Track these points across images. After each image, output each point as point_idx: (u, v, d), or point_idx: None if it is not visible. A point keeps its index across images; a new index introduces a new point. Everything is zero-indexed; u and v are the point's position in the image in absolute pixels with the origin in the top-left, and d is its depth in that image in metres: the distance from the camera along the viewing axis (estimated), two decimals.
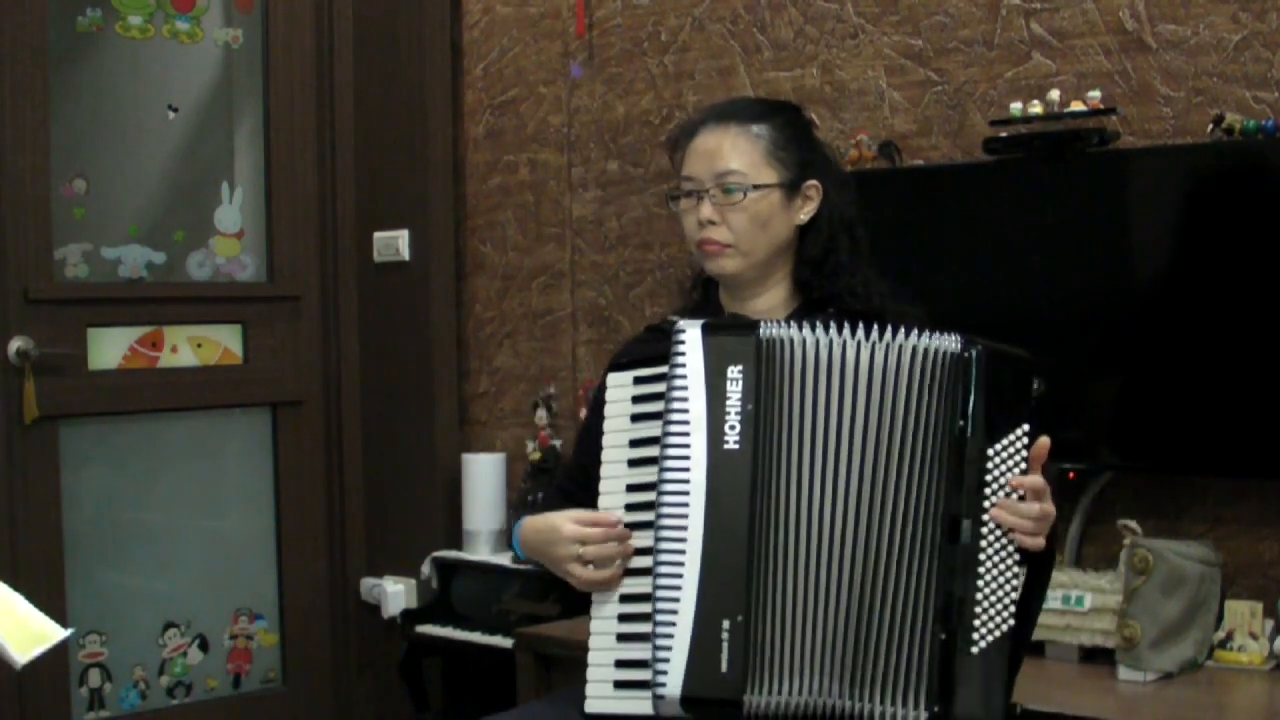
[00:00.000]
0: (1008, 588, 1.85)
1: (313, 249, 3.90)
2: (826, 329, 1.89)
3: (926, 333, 1.88)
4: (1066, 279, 2.79)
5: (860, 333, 1.88)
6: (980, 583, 1.84)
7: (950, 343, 1.88)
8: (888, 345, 1.88)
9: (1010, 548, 1.86)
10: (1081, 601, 2.62)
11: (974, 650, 1.84)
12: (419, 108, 3.84)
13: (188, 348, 3.71)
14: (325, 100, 3.89)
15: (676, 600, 1.86)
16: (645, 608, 1.90)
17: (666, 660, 1.85)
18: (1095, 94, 2.80)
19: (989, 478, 1.86)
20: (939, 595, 1.83)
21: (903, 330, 1.88)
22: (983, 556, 1.85)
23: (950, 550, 1.84)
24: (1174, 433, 2.71)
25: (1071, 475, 2.79)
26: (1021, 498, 1.86)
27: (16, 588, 1.83)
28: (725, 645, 1.84)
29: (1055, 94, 2.83)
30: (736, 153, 2.09)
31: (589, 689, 1.93)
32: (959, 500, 1.85)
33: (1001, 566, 1.85)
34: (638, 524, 1.93)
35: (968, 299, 2.86)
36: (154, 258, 3.68)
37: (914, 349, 1.88)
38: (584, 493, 2.03)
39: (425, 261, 3.85)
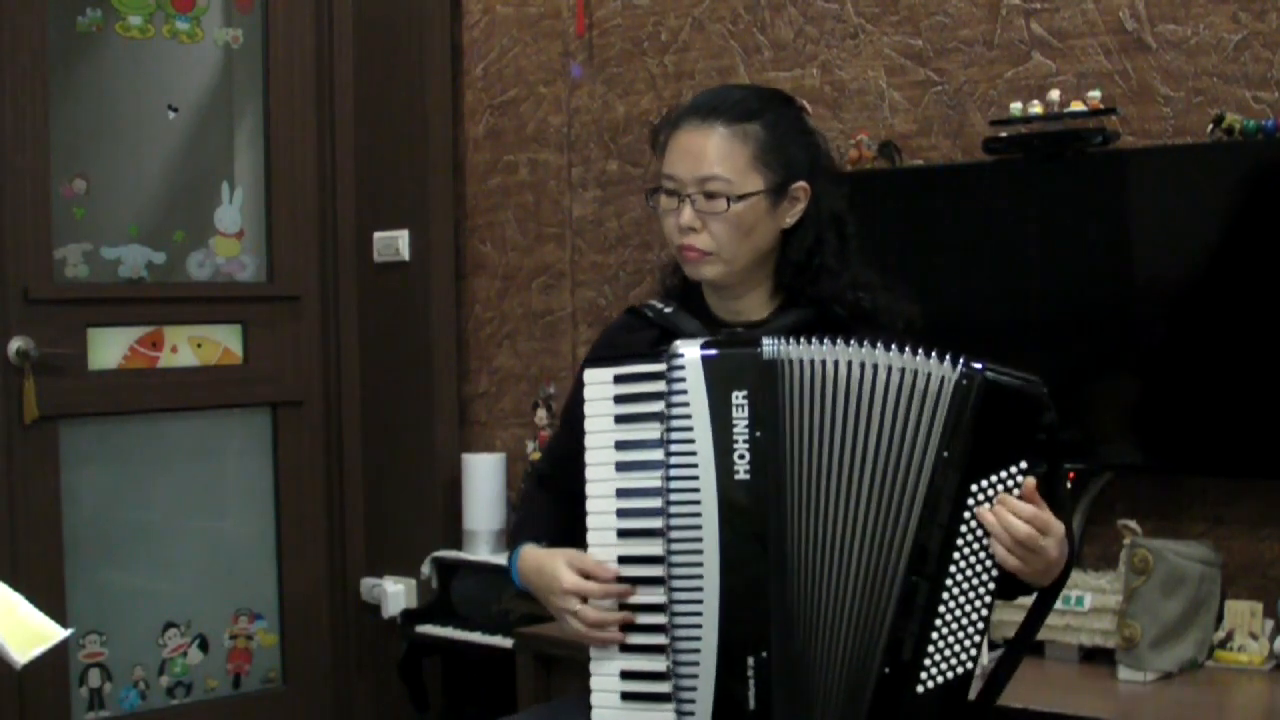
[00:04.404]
0: (971, 630, 1.79)
1: (313, 249, 3.89)
2: (835, 343, 1.83)
3: (926, 354, 1.80)
4: (1066, 279, 2.80)
5: (863, 350, 1.82)
6: (939, 621, 1.78)
7: (948, 368, 1.79)
8: (889, 367, 1.80)
9: (980, 590, 1.79)
10: (1081, 601, 2.63)
11: (919, 689, 1.79)
12: (419, 108, 3.84)
13: (188, 348, 3.71)
14: (325, 100, 3.89)
15: (698, 639, 1.82)
16: (646, 618, 1.87)
17: (692, 701, 1.82)
18: (1095, 94, 2.80)
19: (968, 514, 1.78)
20: (893, 629, 1.79)
21: (908, 350, 1.81)
22: (946, 596, 1.78)
23: (909, 584, 1.78)
24: (1174, 433, 2.71)
25: (1071, 475, 2.79)
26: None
27: (16, 588, 1.83)
28: (751, 682, 1.81)
29: (1055, 94, 2.83)
30: (721, 156, 1.98)
31: (594, 699, 1.90)
32: (929, 534, 1.78)
33: (967, 608, 1.79)
34: (631, 531, 1.87)
35: (967, 299, 2.87)
36: (154, 258, 3.68)
37: (906, 371, 1.80)
38: (564, 480, 1.98)
39: (425, 261, 3.84)
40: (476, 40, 3.88)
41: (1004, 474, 1.78)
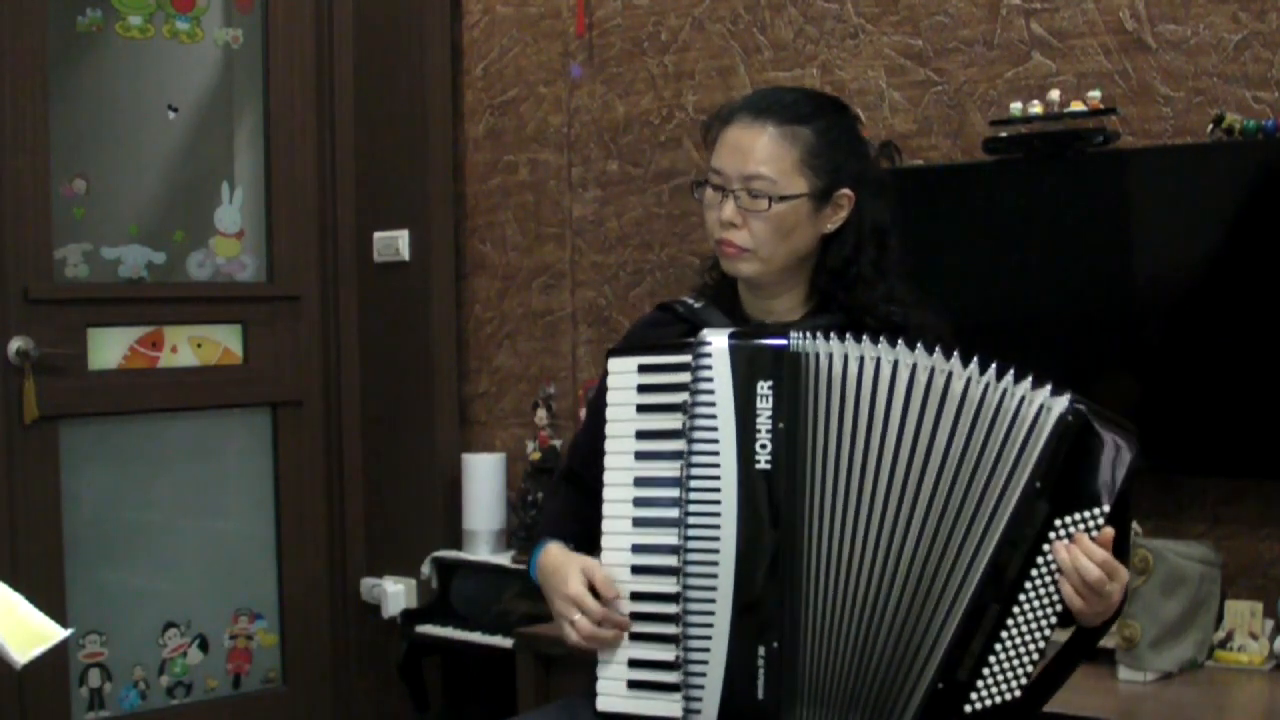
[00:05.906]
0: (1025, 660, 1.79)
1: (313, 249, 3.90)
2: (859, 340, 1.83)
3: (1016, 376, 1.79)
4: (1066, 279, 2.79)
5: (933, 357, 1.80)
6: (998, 645, 1.78)
7: (1047, 396, 1.78)
8: (968, 378, 1.79)
9: (1043, 622, 1.78)
10: None
11: (967, 709, 1.79)
12: (419, 108, 3.84)
13: (188, 348, 3.71)
14: (325, 100, 3.89)
15: (710, 625, 1.82)
16: (656, 607, 1.87)
17: (701, 686, 1.82)
18: (1095, 94, 2.80)
19: (1046, 546, 1.77)
20: (953, 645, 1.78)
21: (993, 367, 1.79)
22: (1010, 622, 1.78)
23: (981, 605, 1.77)
24: (1174, 433, 2.71)
25: None
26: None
27: (16, 588, 1.83)
28: (761, 671, 1.81)
29: (1055, 94, 2.83)
30: (768, 156, 1.98)
31: (599, 685, 1.91)
32: (1008, 559, 1.77)
33: (1028, 636, 1.78)
34: (646, 520, 1.87)
35: (967, 299, 2.86)
36: (154, 258, 3.68)
37: (991, 388, 1.79)
38: (594, 476, 1.98)
39: (425, 261, 3.84)
40: (476, 40, 3.88)
41: (1087, 514, 1.77)
